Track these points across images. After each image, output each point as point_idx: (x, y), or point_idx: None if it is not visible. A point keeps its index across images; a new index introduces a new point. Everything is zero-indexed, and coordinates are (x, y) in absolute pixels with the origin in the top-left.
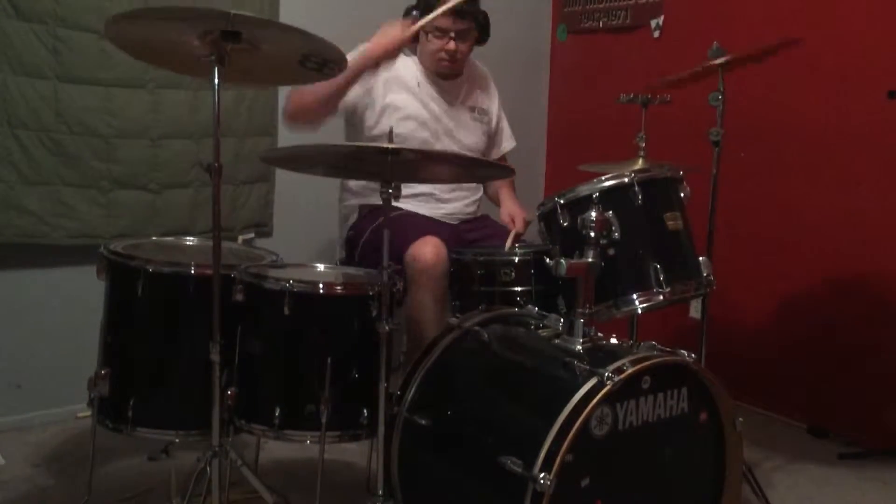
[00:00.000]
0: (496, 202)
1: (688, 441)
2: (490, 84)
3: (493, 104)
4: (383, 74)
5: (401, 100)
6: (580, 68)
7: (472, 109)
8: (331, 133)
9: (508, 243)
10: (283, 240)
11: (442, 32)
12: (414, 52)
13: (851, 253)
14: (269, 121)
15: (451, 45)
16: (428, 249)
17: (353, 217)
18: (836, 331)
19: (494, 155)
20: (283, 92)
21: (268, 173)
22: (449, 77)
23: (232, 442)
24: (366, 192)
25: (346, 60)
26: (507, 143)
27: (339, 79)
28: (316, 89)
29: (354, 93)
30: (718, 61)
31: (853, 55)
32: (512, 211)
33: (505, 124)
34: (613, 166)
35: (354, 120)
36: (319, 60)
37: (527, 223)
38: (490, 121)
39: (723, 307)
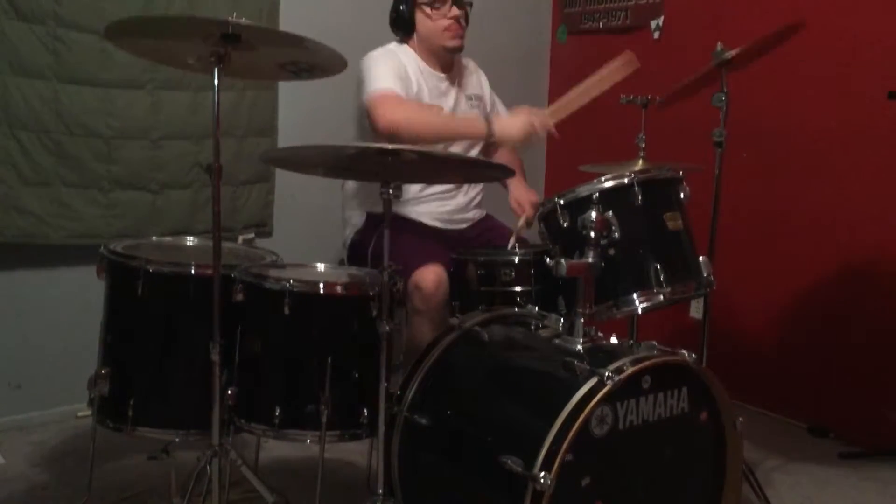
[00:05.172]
0: (504, 185)
1: (688, 441)
2: (476, 69)
3: (483, 89)
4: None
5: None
6: (580, 69)
7: (469, 98)
8: (331, 133)
9: (511, 242)
10: (283, 240)
11: (441, 2)
12: (402, 43)
13: (851, 253)
14: (269, 121)
15: (454, 10)
16: (430, 278)
17: (359, 223)
18: (837, 331)
19: None
20: (284, 92)
21: (268, 173)
22: (445, 68)
23: (232, 441)
24: (371, 198)
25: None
26: None
27: (445, 131)
28: (427, 127)
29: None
30: (727, 56)
31: (853, 55)
32: (519, 196)
33: (500, 105)
34: (613, 167)
35: (366, 122)
36: (304, 67)
37: (536, 207)
38: (485, 106)
39: (723, 307)
